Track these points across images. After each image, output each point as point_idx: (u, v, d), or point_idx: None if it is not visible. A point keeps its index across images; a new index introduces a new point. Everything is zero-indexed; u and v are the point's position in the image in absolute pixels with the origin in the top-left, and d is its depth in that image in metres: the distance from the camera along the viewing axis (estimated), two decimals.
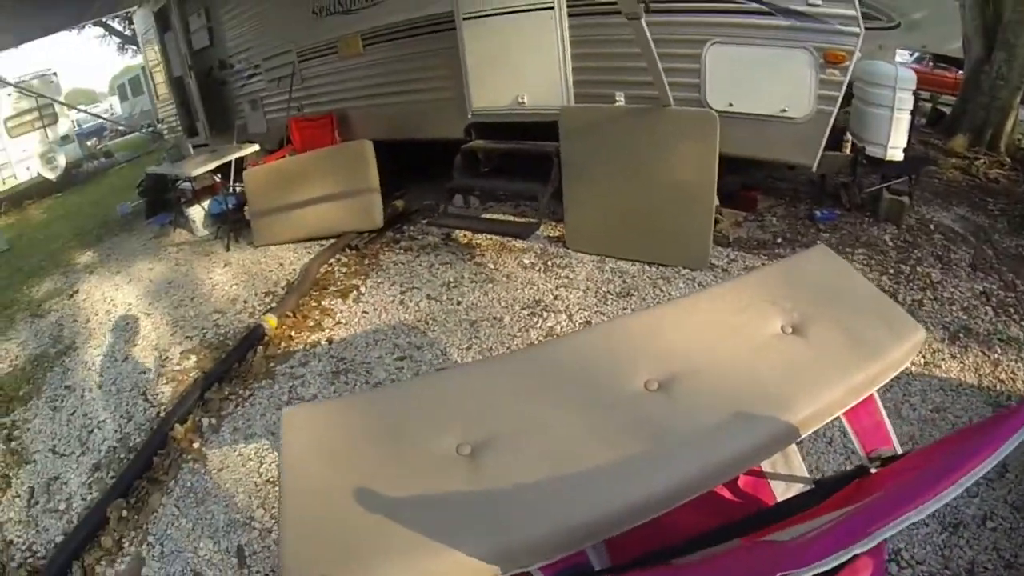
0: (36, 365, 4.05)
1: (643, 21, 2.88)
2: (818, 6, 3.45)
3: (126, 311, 4.50)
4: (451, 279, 4.03)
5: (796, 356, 1.33)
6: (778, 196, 5.02)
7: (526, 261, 4.14)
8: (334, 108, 5.87)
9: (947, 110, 8.01)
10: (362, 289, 4.08)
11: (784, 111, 3.66)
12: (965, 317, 3.37)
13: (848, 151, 4.49)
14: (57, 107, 12.97)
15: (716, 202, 4.23)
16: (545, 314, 3.48)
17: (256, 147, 6.14)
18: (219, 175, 6.04)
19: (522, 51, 4.32)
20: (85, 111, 14.82)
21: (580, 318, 3.41)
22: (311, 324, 3.69)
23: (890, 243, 4.19)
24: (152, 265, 5.42)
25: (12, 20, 5.77)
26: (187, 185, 6.07)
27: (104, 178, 13.72)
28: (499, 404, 1.29)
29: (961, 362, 2.98)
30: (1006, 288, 3.70)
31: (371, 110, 5.59)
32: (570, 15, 4.01)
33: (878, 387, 1.34)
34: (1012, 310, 3.46)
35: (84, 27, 14.67)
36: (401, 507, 1.06)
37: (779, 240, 4.22)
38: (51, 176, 12.82)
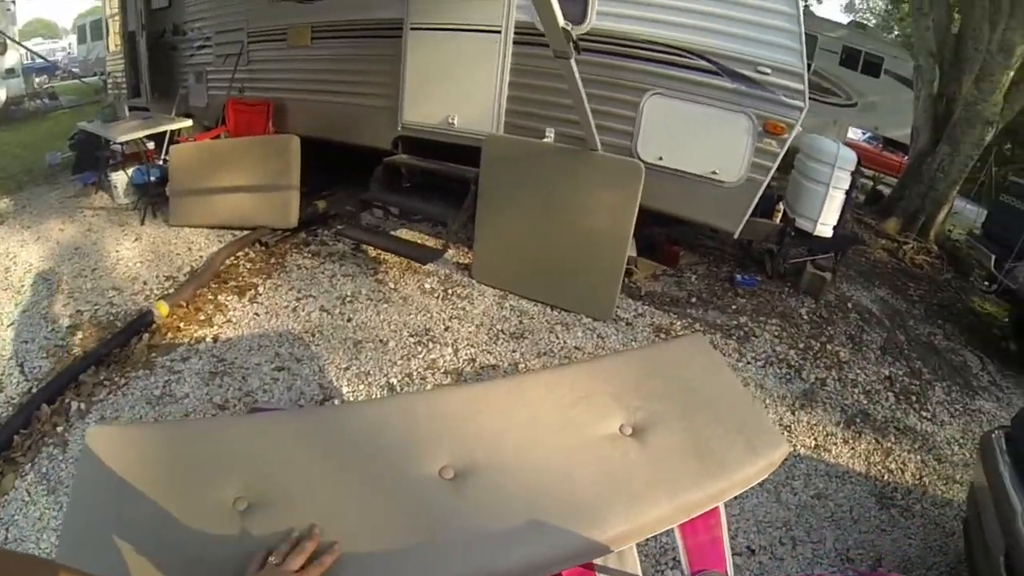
0: None
1: (572, 62, 2.76)
2: (767, 75, 3.45)
3: (25, 271, 4.23)
4: (349, 293, 3.86)
5: (627, 461, 1.18)
6: (702, 254, 5.01)
7: (427, 285, 4.00)
8: (273, 96, 5.63)
9: (887, 192, 8.29)
10: (260, 289, 3.92)
11: (714, 173, 3.63)
12: (866, 401, 3.37)
13: (778, 220, 4.50)
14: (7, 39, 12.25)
15: (633, 252, 4.17)
16: (431, 344, 3.34)
17: (189, 123, 5.87)
18: (152, 143, 5.72)
19: (461, 71, 4.21)
20: (32, 51, 13.90)
21: (465, 354, 3.28)
22: (202, 318, 3.53)
23: (806, 317, 4.20)
24: (64, 226, 5.13)
25: None
26: (117, 148, 5.81)
27: (43, 120, 12.88)
28: (280, 463, 1.13)
29: (853, 448, 2.96)
30: (912, 375, 3.74)
31: (307, 105, 5.38)
32: (515, 42, 3.92)
33: (723, 501, 1.22)
34: (914, 398, 3.49)
35: None
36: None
37: (693, 299, 4.18)
38: None
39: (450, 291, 3.94)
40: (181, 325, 3.43)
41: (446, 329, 3.49)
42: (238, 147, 4.99)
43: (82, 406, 2.77)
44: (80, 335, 3.37)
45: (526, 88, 3.98)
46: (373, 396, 2.90)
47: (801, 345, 3.80)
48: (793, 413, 3.14)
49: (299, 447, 1.16)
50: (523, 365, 3.21)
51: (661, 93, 3.66)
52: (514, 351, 3.33)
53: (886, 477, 2.81)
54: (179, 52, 7.10)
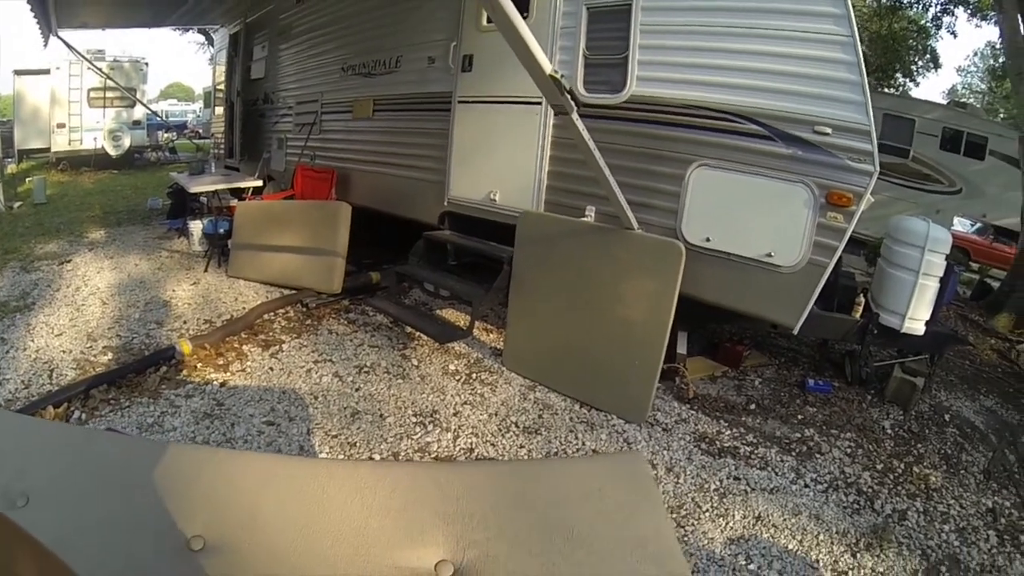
0: None
1: (576, 118, 2.53)
2: (826, 135, 2.94)
3: (90, 293, 4.79)
4: (368, 363, 3.75)
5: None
6: (773, 354, 4.48)
7: (452, 367, 3.78)
8: (339, 165, 5.84)
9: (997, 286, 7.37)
10: (285, 346, 3.96)
11: (769, 256, 3.13)
12: (957, 542, 2.64)
13: (858, 315, 3.94)
14: (139, 94, 14.16)
15: (683, 350, 3.75)
16: (432, 427, 3.09)
17: (259, 183, 6.29)
18: (235, 200, 6.24)
19: (503, 145, 4.09)
20: (150, 109, 15.78)
21: (464, 443, 2.99)
22: (220, 362, 3.66)
23: (889, 431, 3.56)
24: (140, 262, 5.79)
25: (100, 7, 7.45)
26: (202, 200, 6.37)
27: (159, 170, 14.61)
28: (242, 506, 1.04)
29: None
30: (1022, 507, 2.96)
31: (367, 176, 5.49)
32: (556, 113, 3.76)
33: None
34: (1023, 538, 2.72)
35: (188, 30, 15.86)
36: None
37: (752, 406, 3.66)
38: (112, 153, 14.08)
39: (474, 375, 3.70)
40: (199, 365, 3.57)
41: (455, 414, 3.23)
42: (293, 210, 5.22)
43: (83, 416, 2.96)
44: (110, 356, 3.66)
45: (567, 163, 3.76)
46: None
47: (879, 466, 3.15)
48: (854, 556, 2.50)
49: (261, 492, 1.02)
50: None
51: (708, 164, 3.27)
52: (521, 447, 2.98)
53: None
54: (267, 119, 7.65)
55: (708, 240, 3.28)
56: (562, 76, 2.38)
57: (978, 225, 10.15)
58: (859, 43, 2.88)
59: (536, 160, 3.90)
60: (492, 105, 4.12)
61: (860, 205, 2.93)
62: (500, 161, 4.12)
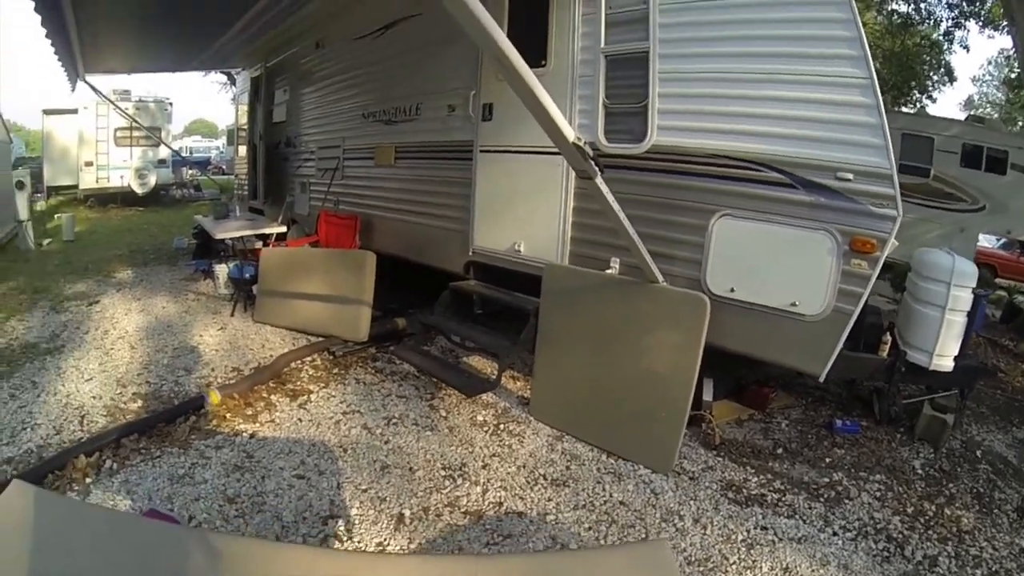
0: (24, 352, 4.49)
1: (600, 181, 2.56)
2: (848, 181, 2.93)
3: (119, 336, 4.88)
4: (397, 414, 3.78)
5: None
6: (800, 395, 4.44)
7: (480, 418, 3.80)
8: (362, 211, 5.94)
9: None
10: (313, 396, 4.00)
11: (794, 305, 3.14)
12: None
13: (885, 353, 3.91)
14: (164, 133, 14.68)
15: (709, 396, 3.75)
16: (460, 481, 3.11)
17: (284, 229, 6.39)
18: (260, 243, 6.38)
19: (526, 195, 4.13)
20: (172, 149, 16.23)
21: (493, 497, 2.99)
22: (249, 412, 3.69)
23: (919, 471, 3.51)
24: (167, 304, 5.90)
25: (125, 53, 7.69)
26: (229, 243, 6.47)
27: (185, 207, 15.02)
28: None
29: None
30: None
31: (390, 223, 5.57)
32: (579, 177, 3.82)
33: None
34: None
35: (210, 72, 16.37)
36: None
37: (779, 450, 3.64)
38: (138, 191, 14.49)
39: (502, 426, 3.72)
40: (228, 415, 3.60)
41: (483, 466, 3.25)
42: (319, 257, 5.31)
43: (114, 466, 3.00)
44: (139, 404, 3.72)
45: (591, 214, 3.76)
46: (379, 524, 2.75)
47: (910, 509, 3.09)
48: None
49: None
50: (553, 518, 2.86)
51: (731, 214, 3.28)
52: (549, 500, 2.99)
53: None
54: (289, 163, 7.80)
55: (732, 290, 3.30)
56: (585, 143, 2.40)
57: (1003, 241, 9.99)
58: (878, 86, 2.89)
59: (560, 211, 3.94)
60: (514, 155, 4.17)
61: (884, 250, 2.91)
62: (524, 211, 4.16)
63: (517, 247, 4.22)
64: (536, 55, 3.83)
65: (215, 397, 3.65)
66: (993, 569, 2.70)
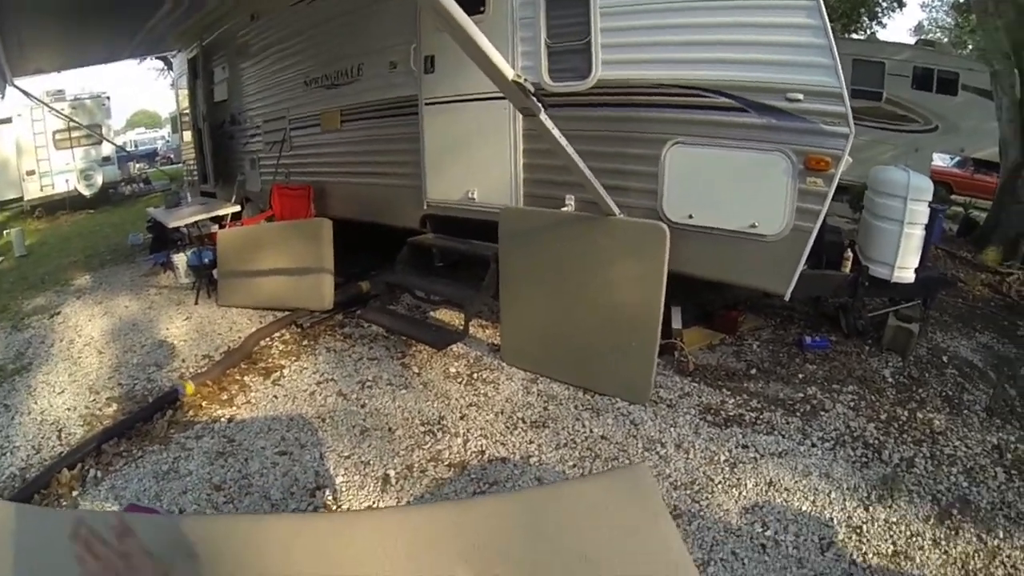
0: None
1: (544, 118, 2.52)
2: (799, 102, 2.93)
3: (85, 344, 4.71)
4: (370, 377, 3.74)
5: None
6: (768, 316, 4.49)
7: (452, 370, 3.78)
8: (314, 180, 5.79)
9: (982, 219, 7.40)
10: (286, 372, 3.94)
11: (753, 227, 3.15)
12: (966, 483, 2.68)
13: (848, 269, 3.96)
14: (105, 129, 14.03)
15: (677, 324, 3.76)
16: (441, 435, 3.10)
17: (237, 208, 6.21)
18: (216, 227, 6.18)
19: (475, 142, 4.06)
20: (115, 144, 15.59)
21: (475, 446, 3.00)
22: (224, 397, 3.63)
23: (890, 379, 3.60)
24: (129, 303, 5.70)
25: (52, 51, 7.14)
26: (185, 231, 6.26)
27: (136, 203, 14.51)
28: None
29: (945, 552, 2.29)
30: None
31: (343, 187, 5.46)
32: (523, 116, 3.74)
33: None
34: None
35: (146, 58, 15.54)
36: None
37: (753, 370, 3.69)
38: (86, 193, 13.96)
39: (475, 375, 3.70)
40: (204, 404, 3.53)
41: (461, 417, 3.24)
42: (275, 231, 5.18)
43: (99, 474, 2.93)
44: (115, 407, 3.60)
45: (542, 154, 3.71)
46: (366, 489, 2.74)
47: (883, 416, 3.18)
48: (867, 509, 2.52)
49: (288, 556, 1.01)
50: (536, 460, 2.87)
51: (683, 142, 3.27)
52: (531, 442, 3.00)
53: None
54: (236, 141, 7.54)
55: (691, 217, 3.29)
56: (525, 80, 2.34)
57: (957, 159, 10.20)
58: (823, 6, 2.85)
59: (510, 154, 3.87)
60: (460, 104, 4.08)
61: (839, 167, 2.93)
62: (474, 159, 4.09)
63: (471, 195, 4.16)
64: (474, 2, 3.72)
65: (189, 388, 3.57)
66: (968, 466, 2.80)
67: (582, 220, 3.31)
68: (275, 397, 3.60)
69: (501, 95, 3.65)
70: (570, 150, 2.81)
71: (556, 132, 2.71)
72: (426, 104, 4.28)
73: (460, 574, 0.96)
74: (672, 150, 3.30)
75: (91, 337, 4.83)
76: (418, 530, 1.04)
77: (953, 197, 9.44)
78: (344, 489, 2.71)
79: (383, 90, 4.70)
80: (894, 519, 2.48)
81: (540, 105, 2.51)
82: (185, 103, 9.29)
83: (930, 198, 3.70)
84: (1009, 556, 2.27)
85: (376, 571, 0.96)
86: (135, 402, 3.66)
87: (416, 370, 3.82)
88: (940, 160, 10.01)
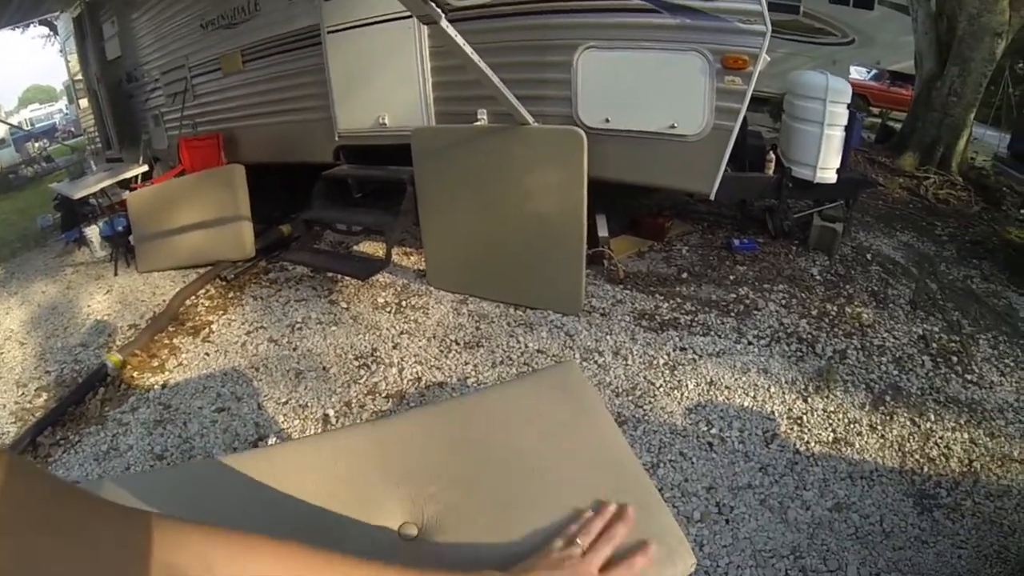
0: None
1: (446, 25, 2.39)
2: (713, 1, 2.88)
3: (7, 337, 4.41)
4: (299, 319, 3.61)
5: None
6: (695, 221, 4.53)
7: (380, 300, 3.69)
8: (222, 127, 5.46)
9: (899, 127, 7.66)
10: (214, 327, 3.76)
11: (673, 127, 3.11)
12: (896, 372, 2.79)
13: (771, 171, 4.01)
14: None
15: (604, 232, 3.74)
16: (375, 367, 3.02)
17: (144, 168, 5.78)
18: (126, 193, 5.71)
19: (383, 67, 3.86)
20: (6, 122, 14.31)
21: (411, 373, 2.94)
22: (155, 364, 3.45)
23: (818, 277, 3.70)
24: (46, 287, 5.33)
25: None
26: (93, 203, 5.88)
27: (40, 184, 13.43)
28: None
29: (882, 436, 2.39)
30: (950, 330, 3.15)
31: (252, 130, 5.17)
32: (424, 24, 3.56)
33: None
34: (954, 359, 2.88)
35: (28, 26, 14.20)
36: None
37: (684, 275, 3.73)
38: None
39: (404, 303, 3.61)
40: (135, 374, 3.35)
41: (394, 347, 3.16)
42: (187, 185, 4.84)
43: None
44: (45, 396, 3.39)
45: (450, 71, 3.58)
46: (307, 432, 2.64)
47: (814, 312, 3.27)
48: (805, 401, 2.60)
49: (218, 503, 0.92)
50: (474, 380, 2.84)
51: (595, 46, 3.17)
52: (466, 364, 2.96)
53: (926, 469, 2.21)
54: (136, 99, 7.02)
55: (608, 121, 3.23)
56: None
57: (874, 72, 10.46)
58: None
59: (418, 74, 3.71)
60: (362, 28, 3.85)
61: (757, 66, 2.90)
62: (382, 84, 3.91)
63: (382, 121, 3.99)
64: None
65: (115, 359, 3.37)
66: (897, 355, 2.91)
67: (496, 132, 3.20)
68: (206, 355, 3.45)
69: (404, 13, 3.49)
70: (476, 58, 2.68)
71: (460, 40, 2.58)
72: (328, 32, 4.03)
73: (392, 497, 0.88)
74: (584, 55, 3.21)
75: (10, 330, 4.51)
76: (341, 455, 0.95)
77: (871, 108, 9.74)
78: (286, 435, 2.64)
79: (283, 23, 4.40)
80: (832, 408, 2.56)
81: (441, 11, 2.39)
82: (77, 68, 8.55)
83: (848, 100, 3.74)
84: (942, 437, 2.38)
85: (308, 503, 0.87)
86: (65, 387, 3.45)
87: (344, 305, 3.70)
88: (857, 73, 10.25)
